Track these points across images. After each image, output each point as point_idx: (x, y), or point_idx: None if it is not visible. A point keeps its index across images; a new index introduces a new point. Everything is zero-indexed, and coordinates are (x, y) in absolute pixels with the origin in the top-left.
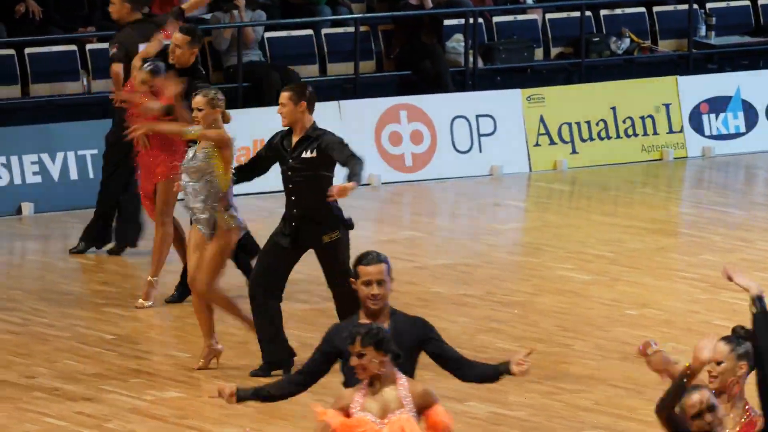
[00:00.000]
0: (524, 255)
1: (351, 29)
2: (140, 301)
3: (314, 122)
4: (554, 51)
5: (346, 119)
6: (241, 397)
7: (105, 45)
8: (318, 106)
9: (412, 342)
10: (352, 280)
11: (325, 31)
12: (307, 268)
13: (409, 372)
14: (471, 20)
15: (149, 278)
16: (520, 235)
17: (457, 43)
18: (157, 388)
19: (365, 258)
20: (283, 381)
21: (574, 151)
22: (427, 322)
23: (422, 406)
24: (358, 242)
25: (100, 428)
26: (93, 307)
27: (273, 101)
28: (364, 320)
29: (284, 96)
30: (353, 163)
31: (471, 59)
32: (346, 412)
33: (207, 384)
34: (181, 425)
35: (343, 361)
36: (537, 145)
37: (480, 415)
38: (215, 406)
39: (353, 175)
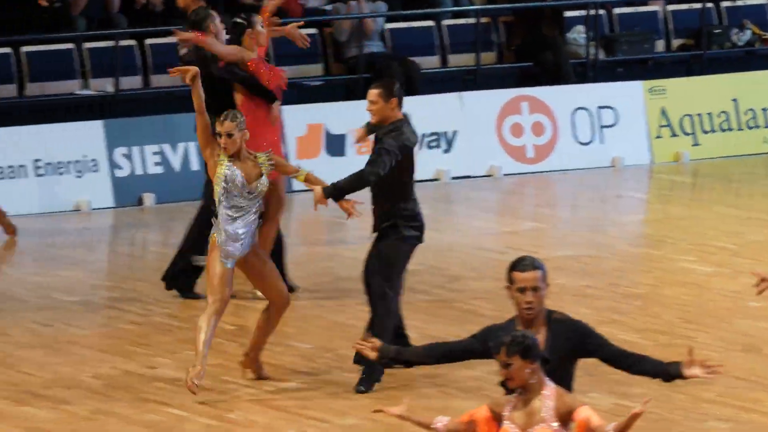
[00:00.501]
0: (646, 247)
1: (472, 20)
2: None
3: (399, 119)
4: (675, 43)
5: (467, 111)
6: (382, 355)
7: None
8: (438, 97)
9: (569, 348)
10: (507, 285)
11: (446, 22)
12: (430, 260)
13: (567, 378)
14: (592, 12)
15: None
16: (641, 227)
17: (578, 34)
18: (278, 378)
19: (520, 264)
20: (422, 350)
21: (696, 143)
22: (586, 326)
23: (566, 414)
24: (480, 233)
25: (221, 419)
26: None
27: None
28: (519, 327)
29: (374, 93)
30: (351, 174)
31: (592, 51)
32: (499, 417)
33: (328, 375)
34: (303, 416)
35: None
36: (659, 137)
37: (603, 406)
38: (336, 397)
39: (331, 185)
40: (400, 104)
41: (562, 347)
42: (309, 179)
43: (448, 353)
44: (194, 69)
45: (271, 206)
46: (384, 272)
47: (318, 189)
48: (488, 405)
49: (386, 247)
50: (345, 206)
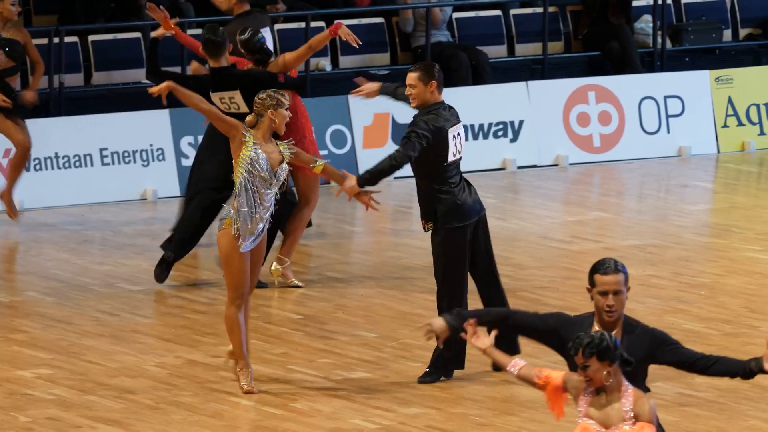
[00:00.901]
0: (712, 236)
1: (539, 10)
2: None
3: (437, 102)
4: (743, 32)
5: (533, 100)
6: (449, 323)
7: (294, 25)
8: (506, 86)
9: (644, 354)
10: (588, 287)
11: (513, 11)
12: (496, 249)
13: (640, 381)
14: (659, 1)
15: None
16: (708, 216)
17: (645, 23)
18: (344, 368)
19: (602, 266)
20: (494, 313)
21: (762, 133)
22: (661, 333)
23: (637, 417)
24: (546, 223)
25: (287, 408)
26: (280, 286)
27: (461, 82)
28: (596, 328)
29: (413, 77)
30: (382, 159)
31: (659, 40)
32: (566, 391)
33: (394, 364)
34: (368, 405)
35: (569, 363)
36: (725, 126)
37: (667, 395)
38: (402, 385)
39: (364, 172)
40: (439, 87)
41: (637, 352)
42: (326, 171)
43: (520, 327)
44: (164, 86)
45: (308, 191)
46: (438, 277)
47: (351, 180)
48: (564, 376)
49: (434, 250)
50: (363, 199)
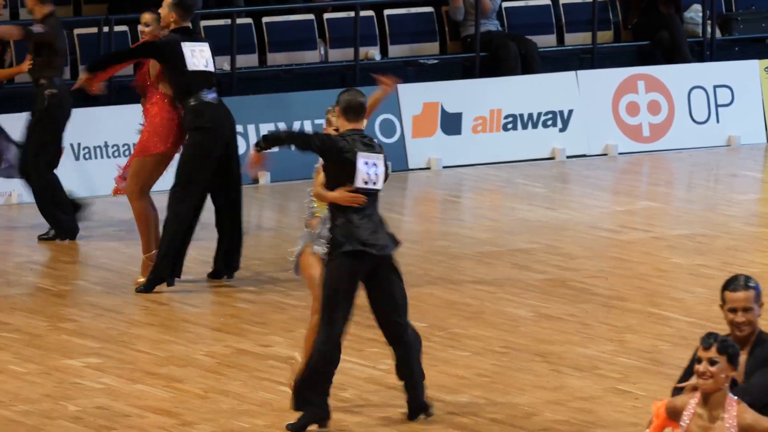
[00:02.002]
0: (761, 226)
1: None
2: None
3: (349, 130)
4: None
5: (583, 89)
6: None
7: (343, 14)
8: (555, 76)
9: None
10: (720, 304)
11: (563, 0)
12: (545, 238)
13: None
14: None
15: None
16: (757, 206)
17: (695, 13)
18: (392, 357)
19: (732, 283)
20: None
21: None
22: None
23: (746, 429)
24: (595, 212)
25: (336, 397)
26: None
27: (510, 71)
28: None
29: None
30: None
31: (709, 30)
32: (678, 415)
33: (442, 353)
34: None
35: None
36: None
37: None
38: (450, 375)
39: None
40: (346, 115)
41: (759, 367)
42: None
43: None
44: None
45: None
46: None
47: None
48: (666, 402)
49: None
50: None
